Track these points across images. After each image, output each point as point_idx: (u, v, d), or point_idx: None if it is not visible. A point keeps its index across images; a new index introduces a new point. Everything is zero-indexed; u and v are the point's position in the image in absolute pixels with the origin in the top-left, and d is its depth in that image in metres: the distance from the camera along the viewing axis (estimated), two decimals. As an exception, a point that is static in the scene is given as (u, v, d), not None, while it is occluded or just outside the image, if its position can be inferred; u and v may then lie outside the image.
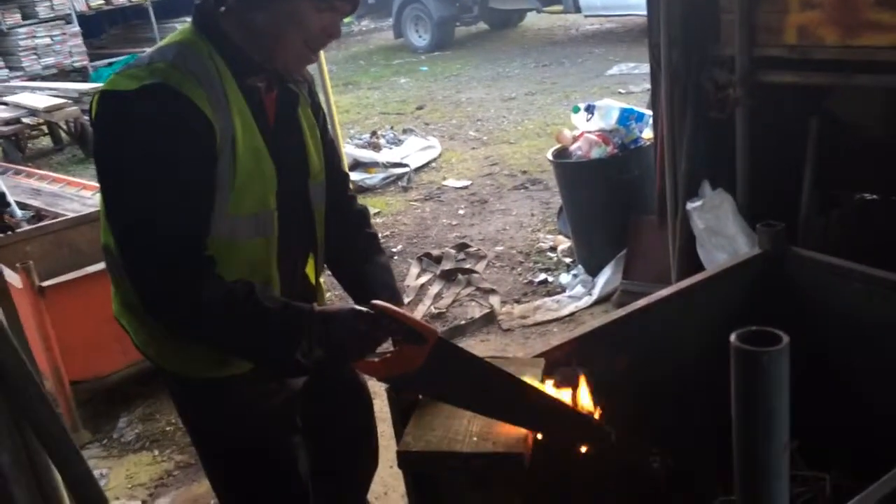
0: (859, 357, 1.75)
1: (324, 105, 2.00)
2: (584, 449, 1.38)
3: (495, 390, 1.37)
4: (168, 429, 3.27)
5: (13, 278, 3.01)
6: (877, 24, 2.38)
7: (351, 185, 1.97)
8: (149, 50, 1.55)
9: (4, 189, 4.57)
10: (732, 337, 0.71)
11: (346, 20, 1.59)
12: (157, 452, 3.14)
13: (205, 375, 1.63)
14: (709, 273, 1.88)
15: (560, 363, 1.56)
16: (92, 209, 4.10)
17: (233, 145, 1.47)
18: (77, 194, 4.83)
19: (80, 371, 3.28)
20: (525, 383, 1.38)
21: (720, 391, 1.25)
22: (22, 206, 4.96)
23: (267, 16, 1.46)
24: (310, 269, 1.81)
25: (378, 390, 2.20)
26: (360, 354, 1.41)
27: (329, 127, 1.85)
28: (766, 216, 1.94)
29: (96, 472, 2.74)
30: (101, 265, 3.19)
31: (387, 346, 1.44)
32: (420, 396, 1.47)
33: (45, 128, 9.18)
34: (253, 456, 1.73)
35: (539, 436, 1.35)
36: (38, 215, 4.76)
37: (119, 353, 3.24)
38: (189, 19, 1.56)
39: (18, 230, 3.90)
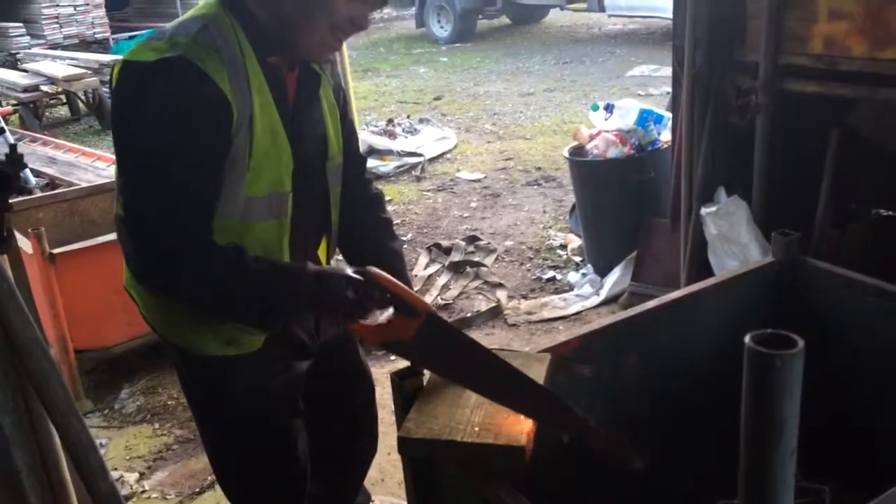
0: (867, 370, 1.73)
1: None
2: (565, 438, 1.39)
3: (483, 370, 1.40)
4: (169, 403, 3.28)
5: (24, 244, 3.02)
6: (905, 38, 2.36)
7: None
8: (173, 22, 1.54)
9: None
10: (747, 338, 0.70)
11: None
12: (157, 426, 3.15)
13: (211, 352, 1.63)
14: (720, 278, 1.87)
15: (569, 360, 1.56)
16: (106, 180, 4.12)
17: (250, 124, 1.47)
18: (92, 165, 4.85)
19: (86, 340, 3.29)
20: (512, 367, 1.40)
21: (725, 396, 1.24)
22: (36, 173, 4.99)
23: None
24: (321, 252, 1.80)
25: (380, 378, 2.20)
26: (350, 319, 1.43)
27: (349, 110, 1.85)
28: (781, 226, 1.92)
29: (96, 442, 2.75)
30: (112, 236, 3.21)
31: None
32: (424, 384, 1.47)
33: (63, 97, 9.21)
34: (253, 435, 1.73)
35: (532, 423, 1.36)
36: (52, 183, 4.78)
37: (125, 325, 3.25)
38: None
39: (31, 196, 3.92)
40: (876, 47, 2.43)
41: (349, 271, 1.44)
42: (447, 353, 1.42)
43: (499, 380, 1.38)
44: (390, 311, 1.42)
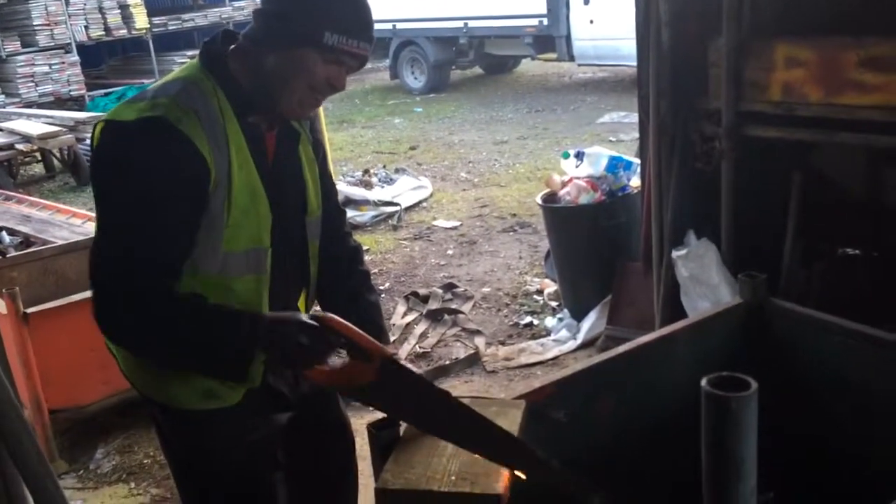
0: (835, 408, 1.76)
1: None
2: (522, 476, 1.38)
3: (443, 414, 1.40)
4: (146, 461, 3.24)
5: (-2, 304, 3.00)
6: (859, 83, 2.46)
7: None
8: (155, 83, 1.58)
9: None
10: (703, 382, 0.72)
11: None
12: (133, 485, 3.10)
13: (190, 407, 1.62)
14: (691, 320, 1.91)
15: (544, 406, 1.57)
16: (81, 237, 4.10)
17: (228, 182, 1.50)
18: (67, 222, 4.83)
19: (60, 400, 3.25)
20: (471, 410, 1.40)
21: (698, 436, 1.27)
22: (10, 231, 4.96)
23: (276, 59, 1.51)
24: (301, 305, 1.82)
25: (359, 428, 2.19)
26: (305, 365, 1.43)
27: (328, 164, 1.89)
28: (750, 267, 1.97)
29: None
30: (88, 293, 3.19)
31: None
32: (401, 433, 1.48)
33: (38, 154, 9.18)
34: (233, 491, 1.71)
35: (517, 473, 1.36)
36: (27, 241, 4.75)
37: (100, 383, 3.22)
38: (188, 53, 1.61)
39: (6, 256, 3.89)
40: (831, 93, 2.53)
41: (303, 317, 1.44)
42: (405, 397, 1.43)
43: (458, 423, 1.39)
44: (344, 356, 1.42)
